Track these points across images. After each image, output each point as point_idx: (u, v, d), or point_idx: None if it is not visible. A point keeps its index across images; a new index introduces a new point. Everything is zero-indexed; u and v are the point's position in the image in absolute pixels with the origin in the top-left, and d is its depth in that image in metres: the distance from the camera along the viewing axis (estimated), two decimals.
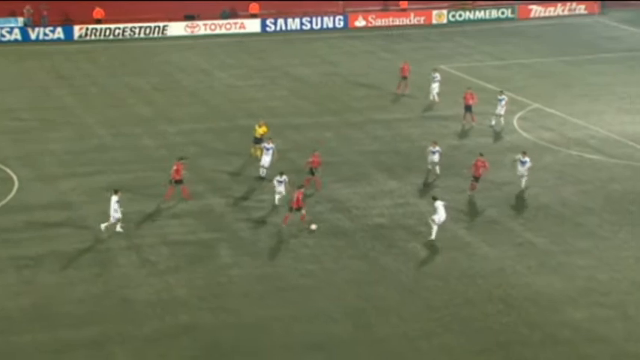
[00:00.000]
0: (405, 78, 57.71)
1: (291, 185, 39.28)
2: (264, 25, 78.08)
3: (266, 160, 42.36)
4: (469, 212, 39.81)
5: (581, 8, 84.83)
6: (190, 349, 29.00)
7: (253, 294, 32.42)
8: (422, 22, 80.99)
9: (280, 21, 78.32)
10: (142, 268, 34.13)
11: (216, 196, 41.09)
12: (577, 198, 41.24)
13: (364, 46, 73.05)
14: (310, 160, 41.65)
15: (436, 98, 55.73)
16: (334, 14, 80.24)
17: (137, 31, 75.08)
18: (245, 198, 40.89)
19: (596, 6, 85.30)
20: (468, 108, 51.24)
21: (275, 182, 39.32)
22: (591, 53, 70.11)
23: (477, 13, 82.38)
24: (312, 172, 41.46)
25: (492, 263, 34.82)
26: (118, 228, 36.84)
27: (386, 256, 35.32)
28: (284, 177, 39.19)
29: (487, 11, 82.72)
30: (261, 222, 38.38)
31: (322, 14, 79.73)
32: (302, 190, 37.81)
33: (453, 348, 29.14)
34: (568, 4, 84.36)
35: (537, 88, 59.09)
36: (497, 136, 49.78)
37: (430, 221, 36.45)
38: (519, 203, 40.65)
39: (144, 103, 55.96)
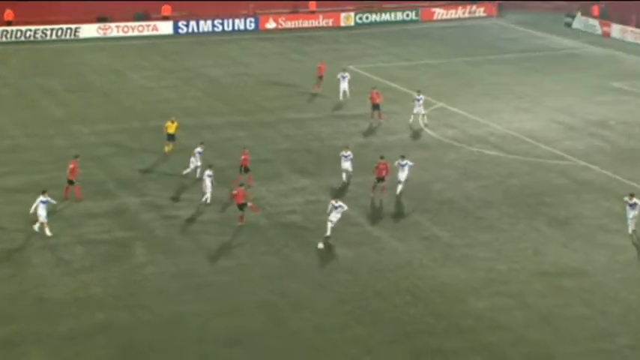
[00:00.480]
0: (320, 77, 58.75)
1: (217, 182, 39.97)
2: (176, 27, 78.15)
3: (199, 163, 43.05)
4: (378, 208, 40.67)
5: (480, 11, 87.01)
6: (106, 348, 28.98)
7: (169, 291, 32.65)
8: (330, 24, 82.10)
9: (192, 23, 78.48)
10: (56, 268, 34.12)
11: (131, 195, 41.35)
12: (478, 192, 42.41)
13: (275, 47, 73.80)
14: (242, 157, 42.42)
15: (347, 96, 56.79)
16: (245, 16, 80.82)
17: (49, 32, 74.36)
18: (160, 196, 41.17)
19: (494, 8, 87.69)
20: (375, 106, 52.54)
21: (205, 177, 39.95)
22: (491, 54, 72.01)
23: (383, 15, 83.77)
24: (245, 170, 42.17)
25: (400, 257, 35.63)
26: (35, 227, 36.83)
27: (298, 252, 35.94)
28: (212, 170, 39.94)
29: (392, 14, 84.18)
30: (176, 220, 38.77)
31: (233, 16, 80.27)
32: (242, 187, 38.41)
33: (364, 339, 29.72)
34: (468, 6, 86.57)
35: (441, 88, 60.31)
36: (414, 134, 50.84)
37: (328, 222, 37.10)
38: (425, 198, 41.53)
39: (57, 105, 55.71)
